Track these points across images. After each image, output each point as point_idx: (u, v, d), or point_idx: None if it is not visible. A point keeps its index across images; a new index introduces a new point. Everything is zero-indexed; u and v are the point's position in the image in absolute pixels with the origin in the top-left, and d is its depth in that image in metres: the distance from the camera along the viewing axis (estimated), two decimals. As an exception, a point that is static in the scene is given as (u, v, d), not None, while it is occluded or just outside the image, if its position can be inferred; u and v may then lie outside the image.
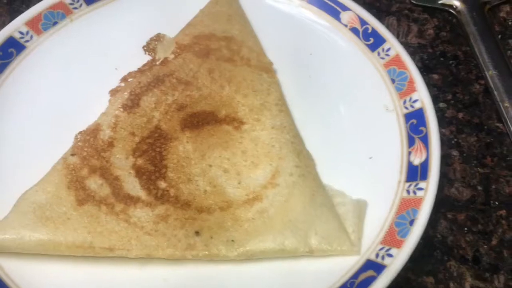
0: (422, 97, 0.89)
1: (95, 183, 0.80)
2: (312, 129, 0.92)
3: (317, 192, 0.82)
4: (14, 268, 0.76)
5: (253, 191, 0.81)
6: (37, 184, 0.80)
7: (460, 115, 0.98)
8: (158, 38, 0.99)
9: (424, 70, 1.03)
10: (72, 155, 0.83)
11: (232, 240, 0.77)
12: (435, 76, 1.02)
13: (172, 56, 0.97)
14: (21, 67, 0.98)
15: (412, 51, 1.05)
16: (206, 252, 0.76)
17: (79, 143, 0.85)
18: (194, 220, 0.78)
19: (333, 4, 1.04)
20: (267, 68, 0.97)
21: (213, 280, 0.77)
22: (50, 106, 0.94)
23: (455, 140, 0.95)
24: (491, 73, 1.00)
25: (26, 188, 0.80)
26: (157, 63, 0.96)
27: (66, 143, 0.86)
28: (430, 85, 0.98)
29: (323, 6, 1.05)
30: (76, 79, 0.97)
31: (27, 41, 1.00)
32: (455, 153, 0.93)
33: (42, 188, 0.79)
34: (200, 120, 0.88)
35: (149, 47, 0.98)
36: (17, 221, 0.76)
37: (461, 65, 1.05)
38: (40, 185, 0.80)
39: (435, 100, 0.95)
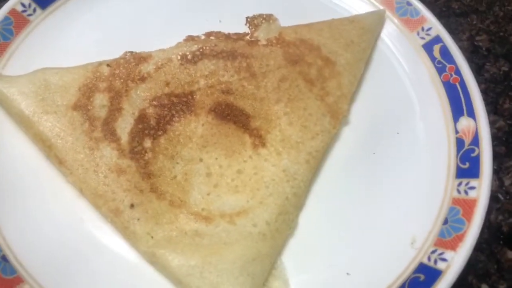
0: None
1: (100, 100, 0.80)
2: (330, 204, 0.80)
3: (260, 261, 0.71)
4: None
5: (209, 211, 0.74)
6: (63, 69, 0.83)
7: None
8: (269, 18, 0.92)
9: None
10: (108, 65, 0.84)
11: (152, 237, 0.72)
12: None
13: (264, 42, 0.89)
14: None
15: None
16: (124, 228, 0.73)
17: (121, 60, 0.84)
18: (141, 193, 0.75)
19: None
20: (337, 115, 0.84)
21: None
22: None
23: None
24: None
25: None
26: (247, 38, 0.90)
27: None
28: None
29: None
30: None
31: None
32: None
33: (61, 74, 0.82)
34: (230, 114, 0.82)
35: (253, 22, 0.91)
36: (20, 85, 0.80)
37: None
38: (62, 71, 0.83)
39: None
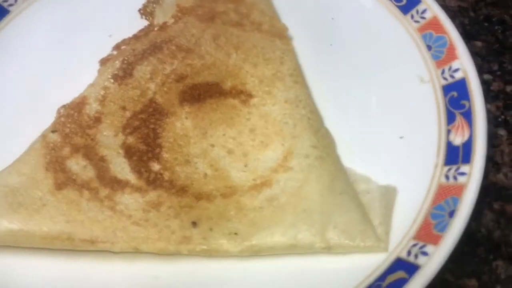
0: (465, 65, 0.75)
1: (77, 164, 0.69)
2: (332, 104, 0.79)
3: (337, 177, 0.69)
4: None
5: (262, 175, 0.69)
6: (11, 165, 0.69)
7: (509, 88, 0.83)
8: (157, 0, 0.87)
9: (465, 36, 0.87)
10: (53, 131, 0.72)
11: (235, 233, 0.65)
12: (478, 44, 0.88)
13: (172, 20, 0.85)
14: (4, 34, 0.87)
15: (451, 15, 0.89)
16: (205, 247, 0.64)
17: (61, 118, 0.73)
18: (191, 208, 0.66)
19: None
20: (281, 34, 0.84)
21: (212, 280, 0.65)
22: (32, 77, 0.83)
23: (502, 117, 0.81)
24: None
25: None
26: (155, 28, 0.84)
27: (48, 119, 0.75)
28: (472, 54, 0.82)
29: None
30: (64, 48, 0.87)
31: (10, 5, 0.89)
32: (502, 132, 0.79)
33: (17, 169, 0.69)
34: (201, 93, 0.76)
35: (146, 10, 0.87)
36: (-17, 208, 0.65)
37: (508, 30, 0.90)
38: (14, 166, 0.69)
39: (478, 71, 0.79)
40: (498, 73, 0.85)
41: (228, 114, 0.75)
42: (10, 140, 0.75)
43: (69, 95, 0.76)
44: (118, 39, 0.84)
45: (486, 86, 0.82)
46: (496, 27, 0.90)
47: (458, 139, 0.70)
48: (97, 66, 0.80)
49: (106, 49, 0.83)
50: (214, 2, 0.87)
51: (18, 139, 0.72)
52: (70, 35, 0.88)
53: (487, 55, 0.86)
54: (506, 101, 0.82)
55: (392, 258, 0.63)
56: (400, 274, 0.60)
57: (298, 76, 0.79)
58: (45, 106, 0.77)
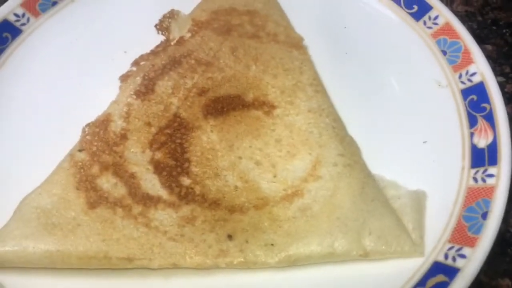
0: (482, 69, 0.77)
1: (108, 182, 0.69)
2: (353, 112, 0.80)
3: (367, 184, 0.70)
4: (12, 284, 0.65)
5: (292, 185, 0.70)
6: (41, 186, 0.69)
7: (522, 89, 0.85)
8: (172, 15, 0.87)
9: (475, 40, 0.90)
10: (80, 150, 0.72)
11: (272, 244, 0.65)
12: (489, 47, 0.90)
13: (189, 34, 0.85)
14: (18, 54, 0.87)
15: (460, 20, 0.92)
16: (242, 259, 0.64)
17: (87, 136, 0.73)
18: (226, 221, 0.67)
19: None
20: (298, 44, 0.85)
21: (246, 290, 0.65)
22: (52, 96, 0.82)
23: (519, 118, 0.82)
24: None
25: (28, 190, 0.69)
26: (172, 43, 0.84)
27: (72, 138, 0.74)
28: (483, 57, 0.85)
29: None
30: (80, 66, 0.86)
31: (23, 24, 0.88)
32: (520, 133, 0.80)
33: (47, 190, 0.68)
34: (224, 106, 0.77)
35: (162, 26, 0.86)
36: (18, 230, 0.64)
37: (517, 33, 0.92)
38: (44, 187, 0.68)
39: (491, 74, 0.82)
40: (511, 75, 0.87)
41: (252, 125, 0.75)
42: (35, 160, 0.74)
43: (90, 113, 0.76)
44: (133, 55, 0.84)
45: (500, 88, 0.84)
46: (504, 30, 0.93)
47: (482, 142, 0.72)
48: (114, 82, 0.81)
49: (122, 65, 0.83)
50: (229, 15, 0.87)
51: (43, 159, 0.72)
52: (85, 52, 0.88)
53: (498, 58, 0.88)
54: (521, 102, 0.84)
55: (429, 262, 0.64)
56: (441, 277, 0.61)
57: (318, 86, 0.80)
58: (66, 125, 0.77)
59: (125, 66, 0.83)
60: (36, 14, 0.89)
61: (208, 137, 0.74)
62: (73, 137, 0.74)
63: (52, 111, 0.80)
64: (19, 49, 0.87)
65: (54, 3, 0.91)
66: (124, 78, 0.80)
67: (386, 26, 0.89)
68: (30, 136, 0.77)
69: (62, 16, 0.91)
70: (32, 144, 0.76)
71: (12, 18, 0.87)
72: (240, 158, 0.72)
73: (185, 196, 0.68)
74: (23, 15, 0.88)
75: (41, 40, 0.88)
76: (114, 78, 0.81)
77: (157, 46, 0.84)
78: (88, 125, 0.74)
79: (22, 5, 0.88)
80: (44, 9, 0.90)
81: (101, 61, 0.86)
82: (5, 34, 0.86)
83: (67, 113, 0.80)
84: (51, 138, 0.76)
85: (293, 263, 0.65)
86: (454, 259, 0.62)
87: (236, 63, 0.81)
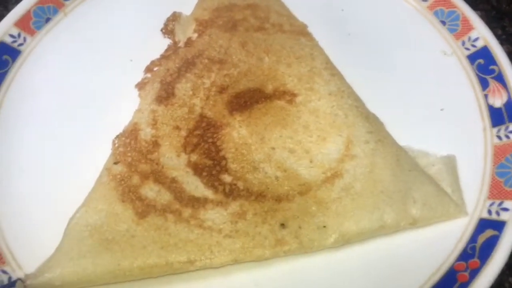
0: (484, 34, 0.81)
1: (151, 191, 0.68)
2: (368, 89, 0.82)
3: (400, 156, 0.73)
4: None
5: (330, 168, 0.72)
6: (85, 204, 0.68)
7: (517, 48, 0.91)
8: (175, 17, 0.87)
9: (467, 8, 0.94)
10: (116, 163, 0.71)
11: (324, 226, 0.67)
12: (478, 13, 0.94)
13: (196, 35, 0.85)
14: (20, 76, 0.83)
15: (446, -10, 0.96)
16: (299, 245, 0.66)
17: (119, 148, 0.72)
18: (275, 211, 0.68)
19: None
20: (303, 31, 0.87)
21: (307, 274, 0.67)
22: (65, 114, 0.80)
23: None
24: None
25: (66, 209, 0.68)
26: (180, 45, 0.84)
27: (98, 152, 0.73)
28: (475, 23, 0.89)
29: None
30: (90, 79, 0.84)
31: (20, 44, 0.85)
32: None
33: (92, 207, 0.67)
34: (247, 100, 0.77)
35: (168, 29, 0.86)
36: (74, 251, 0.63)
37: (500, -3, 0.97)
38: (88, 205, 0.67)
39: (486, 38, 0.87)
40: (503, 37, 0.92)
41: (278, 115, 0.76)
42: (67, 178, 0.73)
43: (111, 125, 0.75)
44: (140, 62, 0.83)
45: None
46: (489, -4, 0.98)
47: (497, 101, 0.76)
48: (128, 91, 0.80)
49: (131, 74, 0.82)
50: (231, 10, 0.88)
51: (74, 177, 0.72)
52: (90, 65, 0.85)
53: (489, 22, 0.93)
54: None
55: (475, 220, 0.67)
56: (490, 232, 0.65)
57: (332, 69, 0.82)
58: (89, 139, 0.76)
59: (134, 74, 0.82)
60: (31, 33, 0.87)
61: (238, 132, 0.74)
62: (99, 151, 0.73)
63: (69, 130, 0.78)
64: (22, 71, 0.84)
65: (48, 19, 0.88)
66: (141, 85, 0.79)
67: (381, 4, 0.91)
68: (54, 157, 0.75)
69: (57, 32, 0.88)
70: (58, 164, 0.75)
71: (8, 40, 0.84)
72: (273, 148, 0.73)
73: (230, 192, 0.69)
74: (19, 35, 0.85)
75: (42, 58, 0.86)
76: (127, 87, 0.80)
77: (167, 50, 0.84)
78: (117, 137, 0.73)
79: (16, 24, 0.85)
80: (38, 27, 0.87)
81: (110, 72, 0.84)
82: (4, 57, 0.83)
83: (86, 129, 0.78)
84: (77, 156, 0.75)
85: (347, 241, 0.67)
86: (498, 213, 0.66)
87: (249, 57, 0.82)
